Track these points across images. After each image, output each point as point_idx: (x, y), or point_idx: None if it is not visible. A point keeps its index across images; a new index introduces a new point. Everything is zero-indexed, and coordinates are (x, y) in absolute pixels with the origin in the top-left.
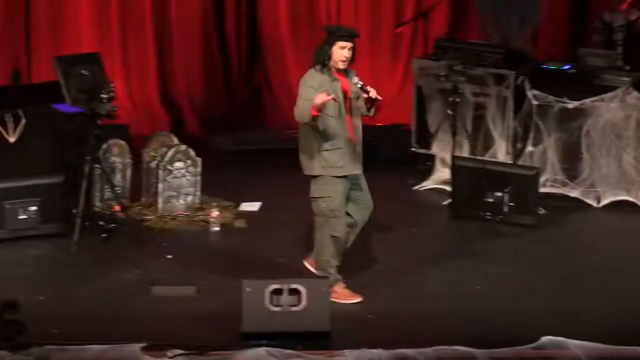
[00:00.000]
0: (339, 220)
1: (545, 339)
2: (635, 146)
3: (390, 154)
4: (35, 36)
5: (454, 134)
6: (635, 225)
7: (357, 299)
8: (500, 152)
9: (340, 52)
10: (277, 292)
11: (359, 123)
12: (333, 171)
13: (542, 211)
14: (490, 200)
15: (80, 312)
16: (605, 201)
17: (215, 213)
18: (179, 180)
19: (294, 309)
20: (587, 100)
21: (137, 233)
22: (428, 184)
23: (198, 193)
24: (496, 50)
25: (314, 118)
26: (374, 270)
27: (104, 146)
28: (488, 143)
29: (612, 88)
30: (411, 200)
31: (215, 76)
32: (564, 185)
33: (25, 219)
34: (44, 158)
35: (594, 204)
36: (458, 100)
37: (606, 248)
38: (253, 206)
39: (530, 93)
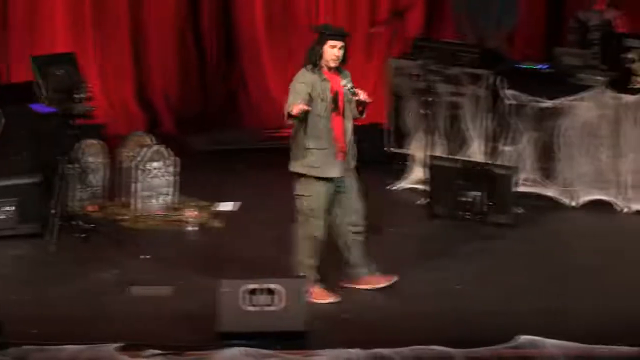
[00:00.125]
0: (318, 220)
1: (523, 338)
2: (610, 145)
3: (367, 153)
4: (12, 36)
5: (429, 133)
6: (611, 224)
7: (334, 299)
8: (477, 151)
9: (331, 51)
10: (253, 291)
11: (350, 125)
12: (312, 171)
13: (519, 210)
14: (467, 199)
15: (58, 312)
16: (581, 200)
17: (192, 213)
18: (156, 180)
19: (270, 308)
20: (563, 100)
21: (116, 233)
22: (404, 184)
23: (176, 193)
24: (472, 50)
25: (295, 117)
26: None
27: (80, 146)
28: (464, 142)
29: (588, 87)
30: (387, 200)
31: (190, 75)
32: (541, 184)
33: (3, 219)
34: (22, 158)
35: (571, 203)
36: (432, 99)
37: (585, 247)
38: (230, 206)
39: (505, 92)
